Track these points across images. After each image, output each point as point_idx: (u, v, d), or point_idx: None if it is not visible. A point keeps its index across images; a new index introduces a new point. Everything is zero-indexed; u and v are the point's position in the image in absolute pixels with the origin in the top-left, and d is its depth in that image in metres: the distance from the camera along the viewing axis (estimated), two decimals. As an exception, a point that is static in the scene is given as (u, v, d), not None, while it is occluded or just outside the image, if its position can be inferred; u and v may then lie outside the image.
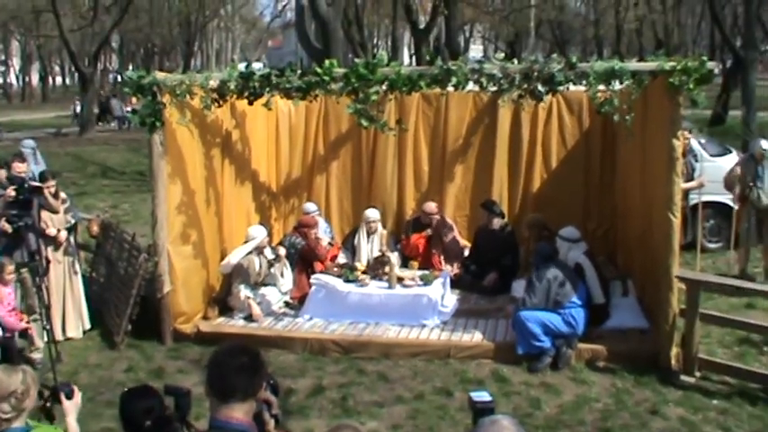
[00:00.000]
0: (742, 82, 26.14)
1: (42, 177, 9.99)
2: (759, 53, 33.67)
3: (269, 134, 12.43)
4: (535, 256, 9.65)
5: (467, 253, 11.94)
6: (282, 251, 10.76)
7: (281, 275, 10.82)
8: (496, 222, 11.48)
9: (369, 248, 11.58)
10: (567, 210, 11.79)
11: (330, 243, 11.80)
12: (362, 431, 4.14)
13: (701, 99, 8.38)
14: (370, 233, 11.67)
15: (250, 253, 10.38)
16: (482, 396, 3.68)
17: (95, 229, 11.50)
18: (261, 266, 10.49)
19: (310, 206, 12.07)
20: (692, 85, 8.24)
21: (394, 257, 10.78)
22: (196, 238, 10.11)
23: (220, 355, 3.63)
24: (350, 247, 11.85)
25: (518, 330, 8.97)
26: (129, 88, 9.70)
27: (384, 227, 12.08)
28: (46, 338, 8.50)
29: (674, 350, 8.65)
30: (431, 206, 11.98)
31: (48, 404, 4.68)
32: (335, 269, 10.81)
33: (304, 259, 10.97)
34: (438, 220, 11.85)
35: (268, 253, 10.66)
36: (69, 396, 4.71)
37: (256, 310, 10.21)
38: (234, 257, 10.33)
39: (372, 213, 11.76)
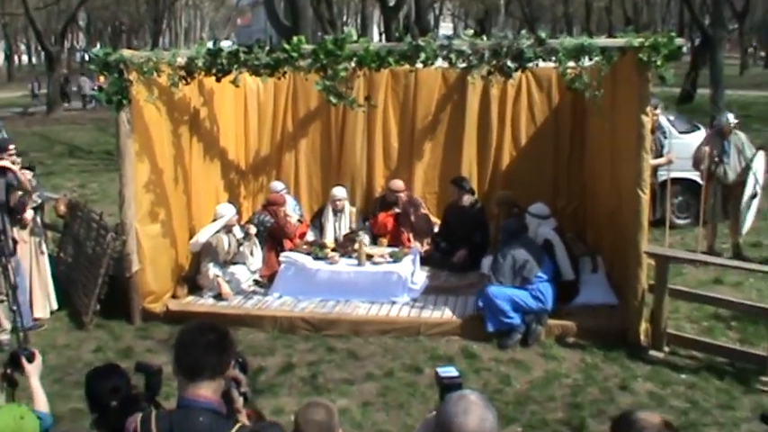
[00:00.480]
0: (710, 60, 26.29)
1: (2, 147, 9.75)
2: (727, 31, 33.88)
3: (237, 112, 12.33)
4: (502, 232, 9.67)
5: (437, 230, 11.93)
6: (253, 230, 10.71)
7: (251, 254, 10.77)
8: (466, 199, 11.46)
9: (335, 227, 11.54)
10: (536, 186, 11.81)
11: (299, 220, 11.75)
12: (333, 409, 4.12)
13: (669, 75, 8.41)
14: (336, 211, 11.61)
15: (219, 231, 10.31)
16: (449, 371, 3.65)
17: (62, 208, 11.38)
18: (230, 245, 10.42)
19: (277, 185, 11.99)
20: (660, 62, 8.26)
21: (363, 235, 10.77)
22: (164, 217, 10.03)
23: (188, 333, 3.58)
24: (318, 225, 11.77)
25: (487, 307, 8.97)
26: (95, 66, 9.58)
27: (353, 204, 12.05)
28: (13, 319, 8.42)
29: (643, 325, 8.71)
30: (397, 183, 11.92)
31: (8, 371, 4.60)
32: (305, 247, 10.76)
33: (273, 237, 10.92)
34: (405, 199, 11.81)
35: (237, 231, 10.59)
36: (30, 359, 4.63)
37: (225, 288, 10.16)
38: (203, 236, 10.25)
39: (339, 192, 11.67)
